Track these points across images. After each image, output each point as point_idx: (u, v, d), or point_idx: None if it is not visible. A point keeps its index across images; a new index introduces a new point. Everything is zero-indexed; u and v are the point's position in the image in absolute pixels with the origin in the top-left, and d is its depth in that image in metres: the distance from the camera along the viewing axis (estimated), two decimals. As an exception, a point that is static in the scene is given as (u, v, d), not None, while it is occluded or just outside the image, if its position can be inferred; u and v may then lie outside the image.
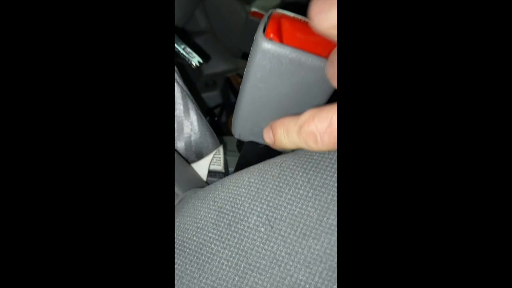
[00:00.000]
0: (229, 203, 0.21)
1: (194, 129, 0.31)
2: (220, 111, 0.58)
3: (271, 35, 0.19)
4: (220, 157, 0.34)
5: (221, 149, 0.33)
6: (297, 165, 0.20)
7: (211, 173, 0.33)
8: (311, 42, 0.19)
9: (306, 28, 0.20)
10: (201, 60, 0.36)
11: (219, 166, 0.34)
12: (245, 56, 0.72)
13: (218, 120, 0.57)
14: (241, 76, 0.66)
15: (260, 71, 0.20)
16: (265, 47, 0.18)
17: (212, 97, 0.60)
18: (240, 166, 0.26)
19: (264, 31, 0.19)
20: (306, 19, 0.20)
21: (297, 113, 0.22)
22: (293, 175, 0.20)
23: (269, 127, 0.20)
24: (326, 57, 0.19)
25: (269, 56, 0.19)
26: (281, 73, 0.19)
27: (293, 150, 0.23)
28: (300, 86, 0.20)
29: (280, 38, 0.19)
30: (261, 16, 0.67)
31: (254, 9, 0.67)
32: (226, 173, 0.35)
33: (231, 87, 0.64)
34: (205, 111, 0.58)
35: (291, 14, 0.20)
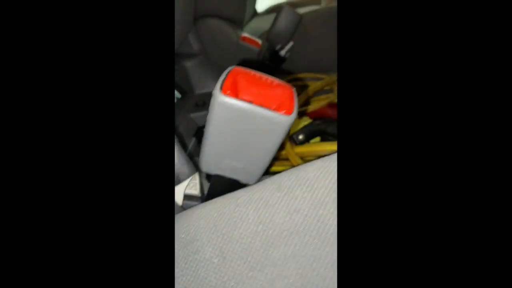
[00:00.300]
0: (189, 235, 0.23)
1: None
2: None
3: (228, 92, 0.21)
4: (196, 182, 0.36)
5: (196, 175, 0.36)
6: (251, 201, 0.23)
7: (187, 197, 0.36)
8: (264, 96, 0.22)
9: (260, 83, 0.23)
10: (179, 96, 0.39)
11: (195, 191, 0.36)
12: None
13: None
14: (230, 97, 0.69)
15: (218, 120, 0.22)
16: (221, 101, 0.21)
17: (201, 117, 0.63)
18: (209, 197, 0.28)
19: (222, 86, 0.22)
20: (261, 74, 0.23)
21: (254, 153, 0.25)
22: (247, 210, 0.22)
23: None
24: (276, 109, 0.22)
25: (225, 108, 0.21)
26: (236, 122, 0.22)
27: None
28: (253, 133, 0.23)
29: (235, 93, 0.22)
30: (250, 41, 0.70)
31: (244, 34, 0.71)
32: (202, 197, 0.37)
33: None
34: (194, 130, 0.60)
35: (249, 70, 0.23)
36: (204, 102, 0.65)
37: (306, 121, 0.56)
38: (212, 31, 0.70)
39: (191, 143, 0.53)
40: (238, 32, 0.73)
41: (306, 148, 0.49)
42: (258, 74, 0.23)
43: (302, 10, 0.82)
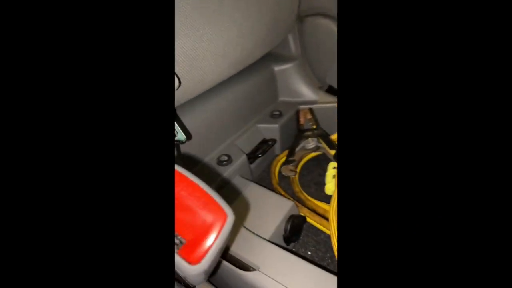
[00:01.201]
0: None
1: None
2: (269, 146, 0.55)
3: None
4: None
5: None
6: None
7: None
8: (186, 220, 0.17)
9: (193, 196, 0.18)
10: (183, 139, 0.34)
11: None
12: (330, 90, 0.63)
13: (260, 156, 0.53)
14: (312, 112, 0.59)
15: None
16: None
17: (268, 129, 0.57)
18: None
19: None
20: (201, 185, 0.17)
21: None
22: None
23: None
24: (189, 244, 0.16)
25: None
26: None
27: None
28: None
29: None
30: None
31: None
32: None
33: (296, 121, 0.59)
34: (258, 142, 0.55)
35: (186, 175, 0.17)
36: (280, 113, 0.59)
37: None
38: (318, 32, 0.60)
39: (240, 159, 0.49)
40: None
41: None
42: (197, 183, 0.18)
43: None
